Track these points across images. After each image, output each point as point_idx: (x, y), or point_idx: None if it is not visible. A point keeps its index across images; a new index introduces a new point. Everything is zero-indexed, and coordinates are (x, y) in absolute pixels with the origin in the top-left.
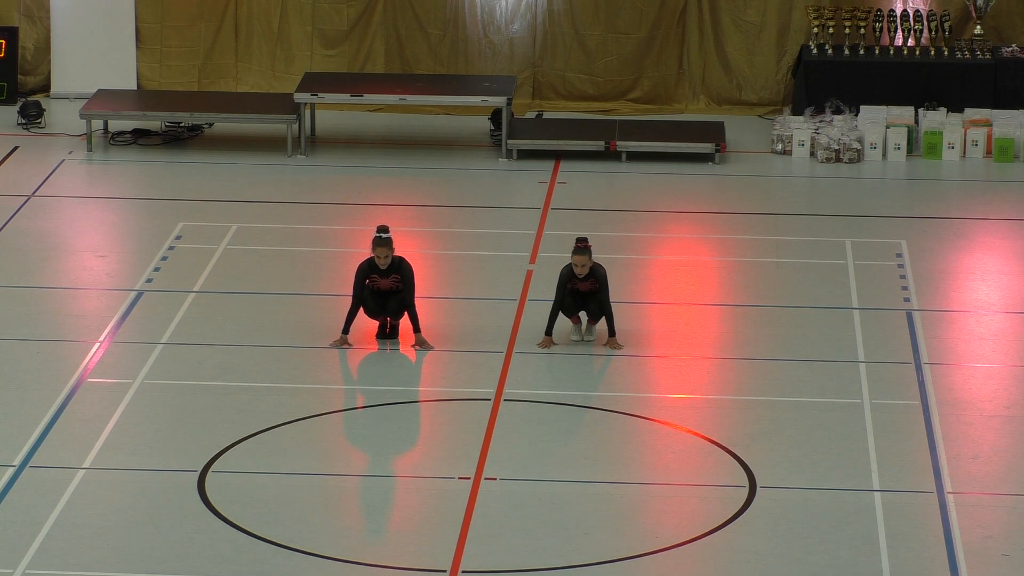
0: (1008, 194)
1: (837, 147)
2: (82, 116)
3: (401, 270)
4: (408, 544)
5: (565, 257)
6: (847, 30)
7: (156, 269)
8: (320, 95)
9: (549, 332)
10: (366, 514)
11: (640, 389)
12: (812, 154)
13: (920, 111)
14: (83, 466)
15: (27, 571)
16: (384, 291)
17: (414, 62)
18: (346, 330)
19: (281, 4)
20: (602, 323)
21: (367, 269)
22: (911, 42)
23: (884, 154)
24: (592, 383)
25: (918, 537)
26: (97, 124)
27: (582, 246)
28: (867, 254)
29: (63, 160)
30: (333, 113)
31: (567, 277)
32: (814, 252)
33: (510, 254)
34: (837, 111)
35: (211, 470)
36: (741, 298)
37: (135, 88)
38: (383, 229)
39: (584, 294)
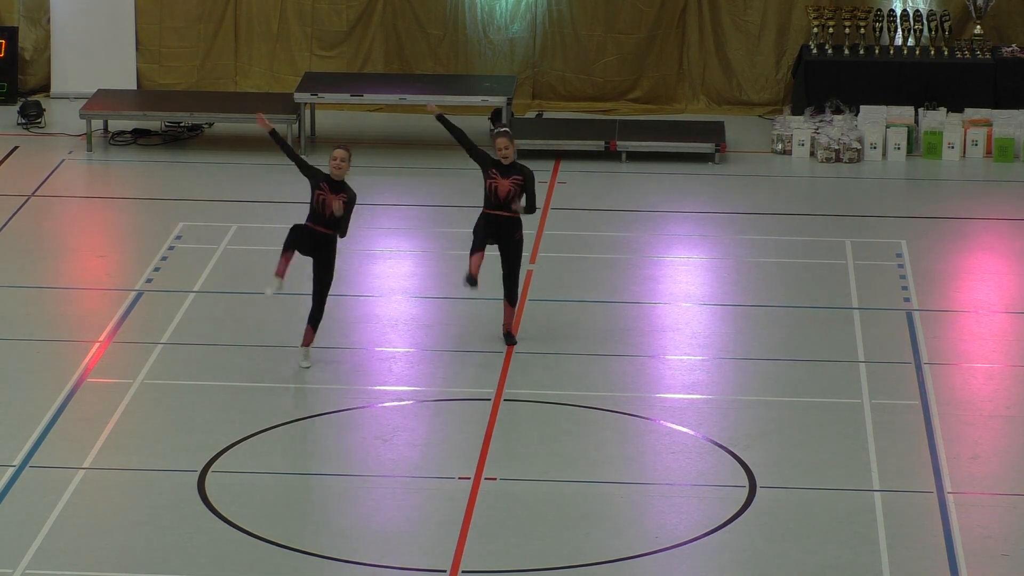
0: (1008, 194)
1: (837, 147)
2: (82, 116)
3: (346, 189)
4: (408, 544)
5: (566, 257)
6: (847, 30)
7: (156, 269)
8: (320, 95)
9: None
10: (366, 514)
11: (640, 389)
12: (812, 154)
13: (920, 111)
14: (83, 466)
15: (27, 571)
16: (322, 228)
17: (414, 62)
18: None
19: (281, 5)
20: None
21: (324, 178)
22: (911, 42)
23: (884, 154)
24: (592, 383)
25: (918, 537)
26: (97, 124)
27: (502, 128)
28: (867, 254)
29: (63, 160)
30: (333, 113)
31: (491, 163)
32: (814, 252)
33: None
34: (837, 111)
35: (211, 470)
36: (741, 298)
37: (135, 88)
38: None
39: (505, 199)
